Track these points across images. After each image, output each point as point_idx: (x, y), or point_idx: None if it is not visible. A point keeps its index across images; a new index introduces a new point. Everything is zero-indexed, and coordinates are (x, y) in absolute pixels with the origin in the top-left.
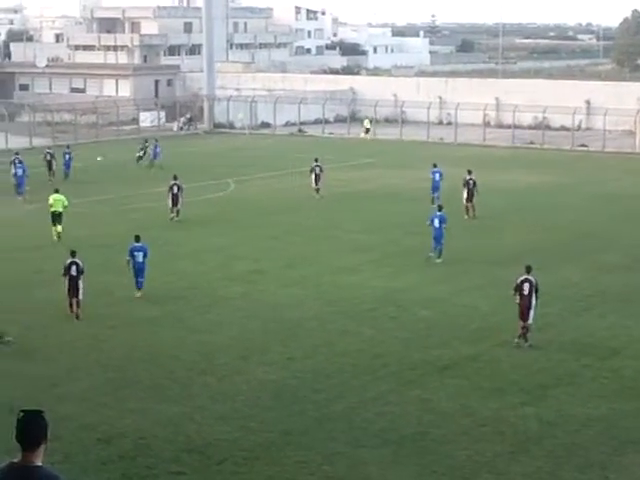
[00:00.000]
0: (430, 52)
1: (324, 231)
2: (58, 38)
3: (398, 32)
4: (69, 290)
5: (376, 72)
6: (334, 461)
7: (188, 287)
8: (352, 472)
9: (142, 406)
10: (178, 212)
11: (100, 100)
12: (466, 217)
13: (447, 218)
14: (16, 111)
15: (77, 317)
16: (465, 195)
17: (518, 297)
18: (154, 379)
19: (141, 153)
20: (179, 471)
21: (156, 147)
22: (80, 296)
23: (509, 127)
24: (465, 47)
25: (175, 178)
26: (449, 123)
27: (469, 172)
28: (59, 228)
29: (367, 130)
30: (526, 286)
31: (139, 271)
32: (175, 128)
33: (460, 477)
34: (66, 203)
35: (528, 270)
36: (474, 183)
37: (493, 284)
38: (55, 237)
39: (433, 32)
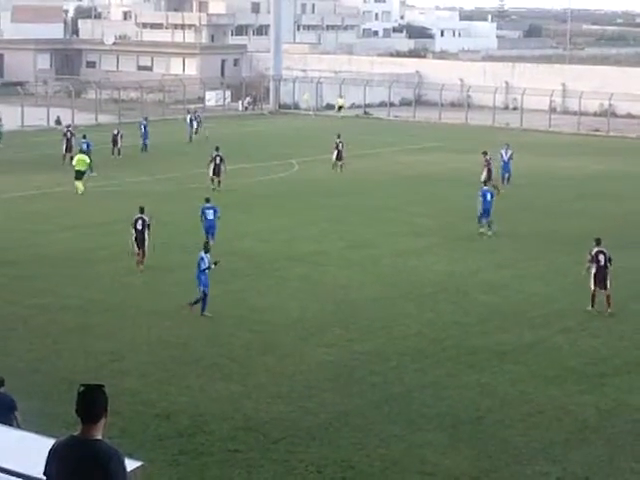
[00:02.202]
0: (497, 37)
1: (386, 213)
2: (126, 16)
3: (466, 16)
4: (136, 241)
5: (443, 56)
6: (390, 444)
7: (251, 267)
8: (408, 455)
9: (201, 383)
10: (220, 182)
11: (167, 78)
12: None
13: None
14: (83, 88)
15: (140, 264)
16: (485, 175)
17: (594, 268)
18: (213, 357)
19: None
20: (235, 449)
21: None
22: (146, 248)
23: (575, 114)
24: (532, 32)
25: (217, 149)
26: (515, 108)
27: (485, 153)
28: (80, 185)
29: (340, 108)
30: (601, 257)
31: (210, 228)
32: (240, 108)
33: (516, 463)
34: (88, 161)
35: (598, 242)
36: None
37: (555, 271)
38: (79, 191)
39: (501, 16)
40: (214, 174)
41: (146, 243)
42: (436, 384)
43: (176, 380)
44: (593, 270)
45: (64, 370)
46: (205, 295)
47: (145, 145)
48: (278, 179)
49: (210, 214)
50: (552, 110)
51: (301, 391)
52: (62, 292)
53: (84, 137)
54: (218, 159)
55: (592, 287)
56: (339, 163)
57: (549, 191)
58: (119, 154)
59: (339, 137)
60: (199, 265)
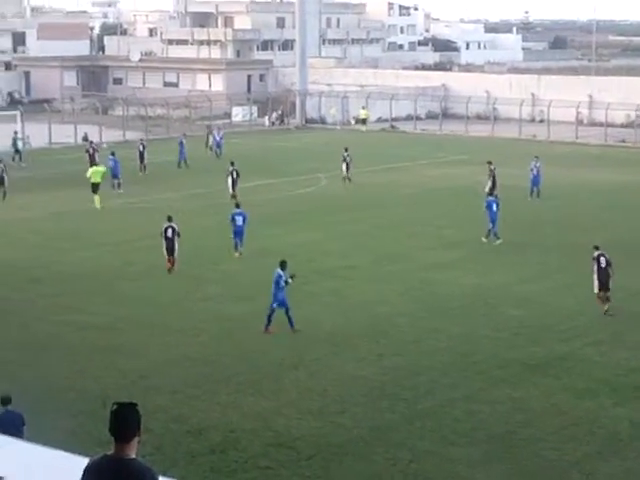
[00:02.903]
0: (523, 49)
1: (414, 227)
2: (152, 32)
3: (491, 28)
4: (167, 249)
5: (468, 68)
6: (422, 459)
7: None
8: (440, 470)
9: (232, 400)
10: (235, 197)
11: (193, 94)
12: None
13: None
14: (110, 105)
15: (170, 271)
16: (490, 185)
17: (596, 271)
18: (244, 374)
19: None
20: (267, 465)
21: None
22: (176, 255)
23: (602, 125)
24: (558, 44)
25: (233, 164)
26: (541, 120)
27: (490, 163)
28: (96, 197)
29: (363, 121)
30: (602, 259)
31: (238, 234)
32: (267, 123)
33: (549, 477)
34: (103, 170)
35: (597, 248)
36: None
37: (583, 283)
38: (98, 205)
39: (526, 28)
40: (233, 188)
41: (176, 250)
42: (467, 398)
43: (207, 397)
44: (596, 274)
45: (96, 388)
46: (275, 310)
47: (180, 162)
48: (305, 194)
49: (239, 220)
50: (579, 122)
51: (333, 406)
52: (90, 310)
53: (112, 154)
54: (235, 174)
55: (596, 290)
56: (346, 175)
57: (577, 203)
58: (144, 170)
59: (347, 150)
60: (277, 283)
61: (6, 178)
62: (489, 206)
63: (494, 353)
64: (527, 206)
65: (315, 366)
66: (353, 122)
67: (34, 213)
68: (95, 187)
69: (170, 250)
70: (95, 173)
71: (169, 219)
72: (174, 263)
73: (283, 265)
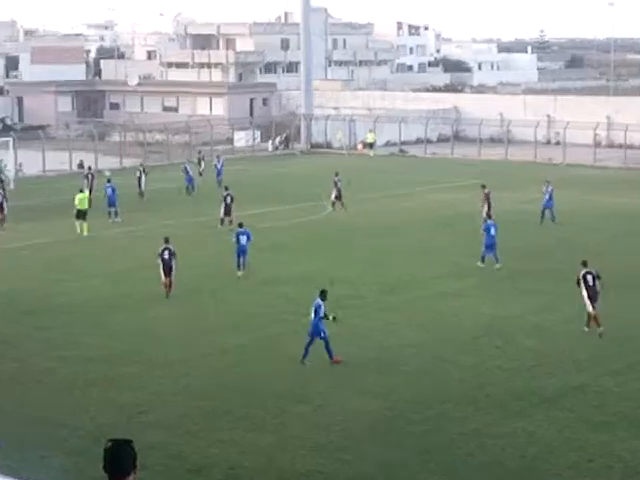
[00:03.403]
0: (538, 69)
1: (424, 254)
2: (150, 55)
3: (504, 48)
4: (163, 271)
5: (481, 90)
6: None
7: (283, 313)
8: None
9: (233, 435)
10: (231, 222)
11: (193, 119)
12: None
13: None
14: (106, 131)
15: (167, 295)
16: (486, 209)
17: (584, 289)
18: (245, 408)
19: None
20: None
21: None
22: (172, 277)
23: (620, 147)
24: (575, 63)
25: (227, 189)
26: (557, 143)
27: (484, 186)
28: (85, 225)
29: (370, 145)
30: (589, 277)
31: (241, 252)
32: (270, 148)
33: None
34: (87, 195)
35: (585, 264)
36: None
37: (601, 313)
38: (84, 232)
39: (541, 47)
40: (225, 214)
41: (173, 272)
42: (480, 432)
43: (206, 432)
44: (585, 292)
45: (90, 424)
46: (314, 340)
47: (188, 187)
48: (311, 221)
49: (243, 239)
50: (597, 144)
51: (338, 442)
52: (85, 342)
53: (109, 181)
54: (229, 199)
55: (590, 308)
56: (339, 202)
57: (596, 229)
58: (142, 196)
59: (337, 175)
60: (316, 312)
61: (5, 205)
62: (487, 230)
63: (508, 385)
64: (541, 232)
65: (319, 400)
66: (360, 147)
67: (27, 243)
68: (80, 214)
69: (167, 271)
70: (83, 200)
71: (166, 241)
72: (171, 285)
73: (323, 295)
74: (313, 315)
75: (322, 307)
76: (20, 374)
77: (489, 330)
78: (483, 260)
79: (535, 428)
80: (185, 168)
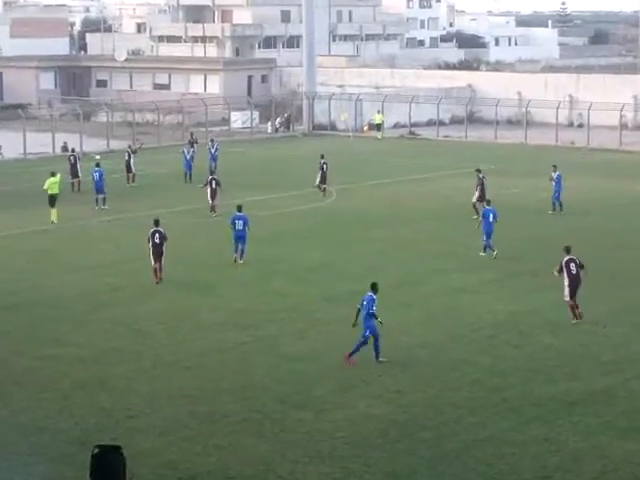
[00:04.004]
0: (559, 44)
1: (436, 246)
2: (140, 28)
3: (523, 22)
4: (153, 256)
5: (498, 67)
6: None
7: (284, 309)
8: None
9: (230, 442)
10: (214, 207)
11: (186, 98)
12: (475, 217)
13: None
14: (92, 110)
15: (159, 281)
16: (478, 195)
17: (567, 277)
18: (243, 412)
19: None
20: None
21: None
22: (162, 261)
23: None
24: (599, 38)
25: (212, 173)
26: (580, 125)
27: (479, 170)
28: (54, 211)
29: (378, 126)
30: (572, 265)
31: (239, 239)
32: (270, 129)
33: None
34: (59, 179)
35: (568, 250)
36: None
37: (627, 309)
38: (54, 219)
39: (563, 21)
40: (212, 199)
41: (163, 256)
42: (496, 439)
43: (201, 438)
44: (566, 281)
45: (75, 429)
46: (367, 339)
47: (186, 173)
48: (313, 209)
49: (239, 224)
50: (623, 126)
51: (343, 450)
52: (72, 340)
53: (97, 165)
54: (214, 183)
55: (567, 298)
56: (322, 186)
57: (620, 218)
58: (133, 181)
59: (323, 157)
60: (369, 306)
61: None
62: (486, 216)
63: (527, 388)
64: (560, 222)
65: (323, 404)
66: (366, 128)
67: (7, 232)
68: (52, 199)
69: (157, 256)
70: (53, 185)
71: (156, 223)
72: (161, 270)
73: (375, 288)
74: (365, 312)
75: (375, 301)
76: None
77: (506, 328)
78: (485, 249)
79: (556, 435)
80: (183, 151)
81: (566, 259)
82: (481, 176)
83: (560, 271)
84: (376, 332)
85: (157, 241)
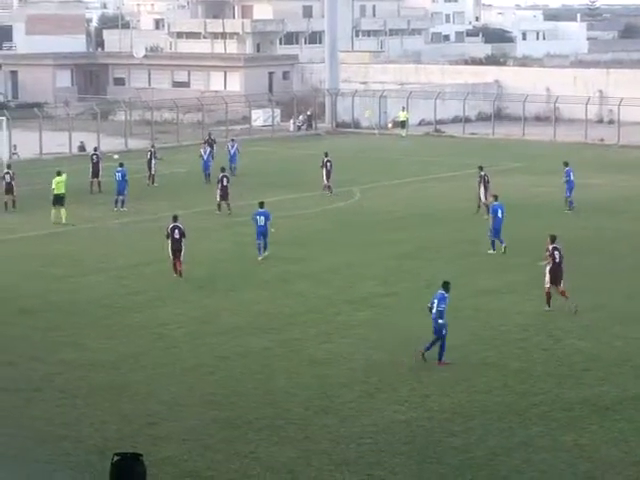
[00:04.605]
0: (588, 39)
1: (464, 247)
2: (158, 24)
3: (551, 15)
4: (172, 251)
5: (525, 62)
6: None
7: (306, 312)
8: None
9: (253, 449)
10: (229, 206)
11: (206, 96)
12: (486, 217)
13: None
14: (110, 109)
15: (180, 275)
16: (483, 192)
17: (550, 265)
18: (266, 418)
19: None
20: None
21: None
22: (182, 257)
23: None
24: (630, 32)
25: (223, 170)
26: (611, 121)
27: (481, 168)
28: (63, 211)
29: (402, 124)
30: (557, 253)
31: (260, 234)
32: (292, 128)
33: None
34: (65, 178)
35: (553, 239)
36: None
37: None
38: (62, 220)
39: (592, 15)
40: (222, 198)
41: (182, 252)
42: (526, 446)
43: (224, 445)
44: (548, 267)
45: (95, 436)
46: (441, 338)
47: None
48: (336, 209)
49: (261, 220)
50: None
51: (369, 457)
52: (91, 346)
53: (121, 165)
54: (225, 180)
55: (547, 285)
56: (326, 184)
57: None
58: (153, 182)
59: (327, 155)
60: (439, 304)
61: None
62: (494, 212)
63: (557, 393)
64: (588, 222)
65: (348, 410)
66: (390, 125)
67: (21, 234)
68: (58, 199)
69: (177, 252)
70: (60, 184)
71: (174, 219)
72: (180, 265)
73: (447, 287)
74: (435, 308)
75: (445, 301)
76: (17, 381)
77: (536, 330)
78: (494, 246)
79: (587, 441)
80: (201, 153)
81: (552, 247)
82: (482, 174)
83: (548, 258)
84: (442, 331)
85: (177, 237)
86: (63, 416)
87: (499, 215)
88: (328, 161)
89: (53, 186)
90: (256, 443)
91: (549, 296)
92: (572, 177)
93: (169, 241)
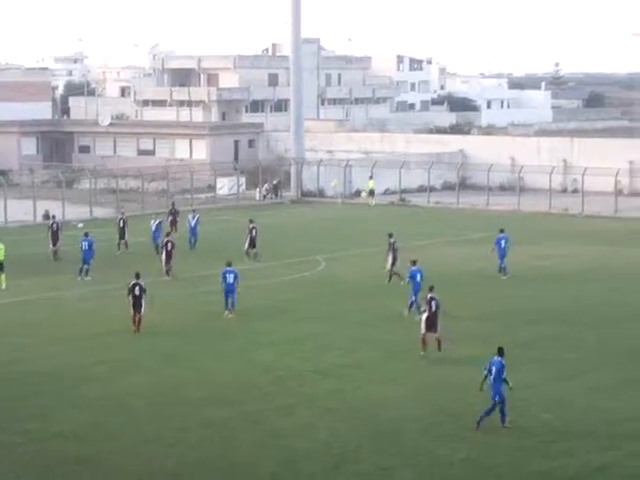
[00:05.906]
0: (553, 107)
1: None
2: (124, 92)
3: (515, 84)
4: (133, 307)
5: (490, 131)
6: None
7: (269, 383)
8: None
9: None
10: (168, 272)
11: (171, 164)
12: (402, 282)
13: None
14: (75, 177)
15: (138, 330)
16: (391, 261)
17: (426, 313)
18: None
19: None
20: None
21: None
22: (142, 313)
23: None
24: (594, 101)
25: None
26: (575, 191)
27: (390, 235)
28: (3, 276)
29: (371, 192)
30: (434, 303)
31: (229, 292)
32: (257, 196)
33: None
34: (3, 249)
35: (431, 289)
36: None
37: (626, 383)
38: (2, 285)
39: (556, 84)
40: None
41: (143, 308)
42: None
43: None
44: (424, 315)
45: None
46: (497, 404)
47: (190, 240)
48: (302, 279)
49: (230, 278)
50: (618, 192)
51: None
52: (52, 416)
53: (86, 235)
54: (170, 245)
55: (423, 331)
56: (252, 251)
57: (618, 288)
58: (126, 247)
59: (252, 222)
60: (500, 372)
61: None
62: (413, 277)
63: (520, 465)
64: (555, 291)
65: None
66: (364, 194)
67: None
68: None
69: (137, 307)
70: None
71: (137, 276)
72: (140, 321)
73: (501, 352)
74: (495, 376)
75: (504, 367)
76: None
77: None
78: (411, 307)
79: None
80: (189, 219)
81: (429, 296)
82: (392, 241)
83: (424, 308)
84: (503, 397)
85: (137, 293)
86: None
87: (417, 279)
88: (254, 227)
89: None
90: None
91: (424, 341)
92: (503, 245)
93: (130, 297)
